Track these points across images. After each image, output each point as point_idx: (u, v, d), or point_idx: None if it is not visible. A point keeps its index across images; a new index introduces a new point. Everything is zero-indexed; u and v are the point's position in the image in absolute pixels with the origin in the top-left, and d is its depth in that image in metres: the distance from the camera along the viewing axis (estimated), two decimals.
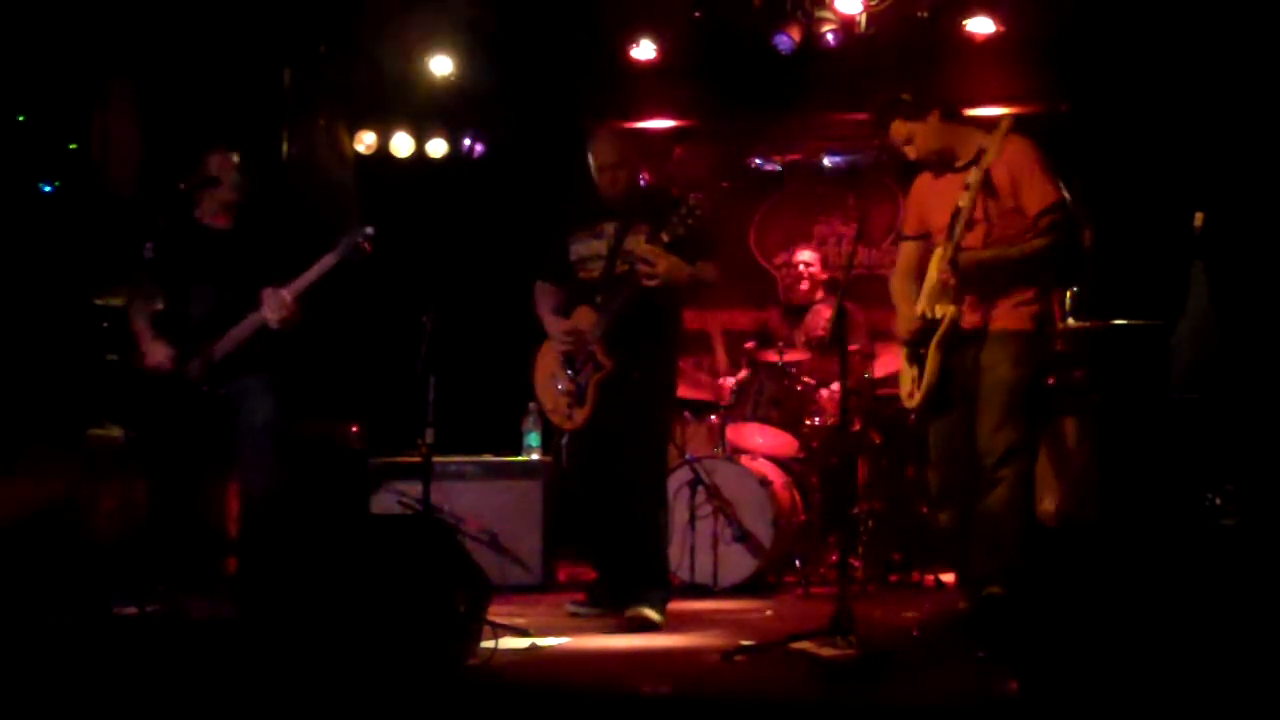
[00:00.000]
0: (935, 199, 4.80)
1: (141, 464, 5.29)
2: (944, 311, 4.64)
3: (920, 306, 4.75)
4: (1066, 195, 4.61)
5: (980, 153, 4.59)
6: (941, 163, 4.77)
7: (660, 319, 5.16)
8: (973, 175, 4.57)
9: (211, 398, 5.18)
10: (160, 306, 5.27)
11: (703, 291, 5.26)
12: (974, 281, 4.59)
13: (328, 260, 5.25)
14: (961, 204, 4.58)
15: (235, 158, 5.36)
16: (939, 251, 4.67)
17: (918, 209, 4.93)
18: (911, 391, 4.80)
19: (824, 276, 7.32)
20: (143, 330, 5.23)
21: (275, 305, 5.18)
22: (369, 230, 5.27)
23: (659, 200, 5.24)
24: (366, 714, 3.59)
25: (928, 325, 4.69)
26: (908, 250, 4.97)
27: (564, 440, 5.70)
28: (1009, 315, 4.63)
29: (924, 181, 4.90)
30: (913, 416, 6.52)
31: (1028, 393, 4.62)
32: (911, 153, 4.78)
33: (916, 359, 4.77)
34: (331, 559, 4.13)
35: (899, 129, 4.76)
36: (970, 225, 4.59)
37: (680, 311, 5.37)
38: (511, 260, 6.79)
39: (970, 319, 4.64)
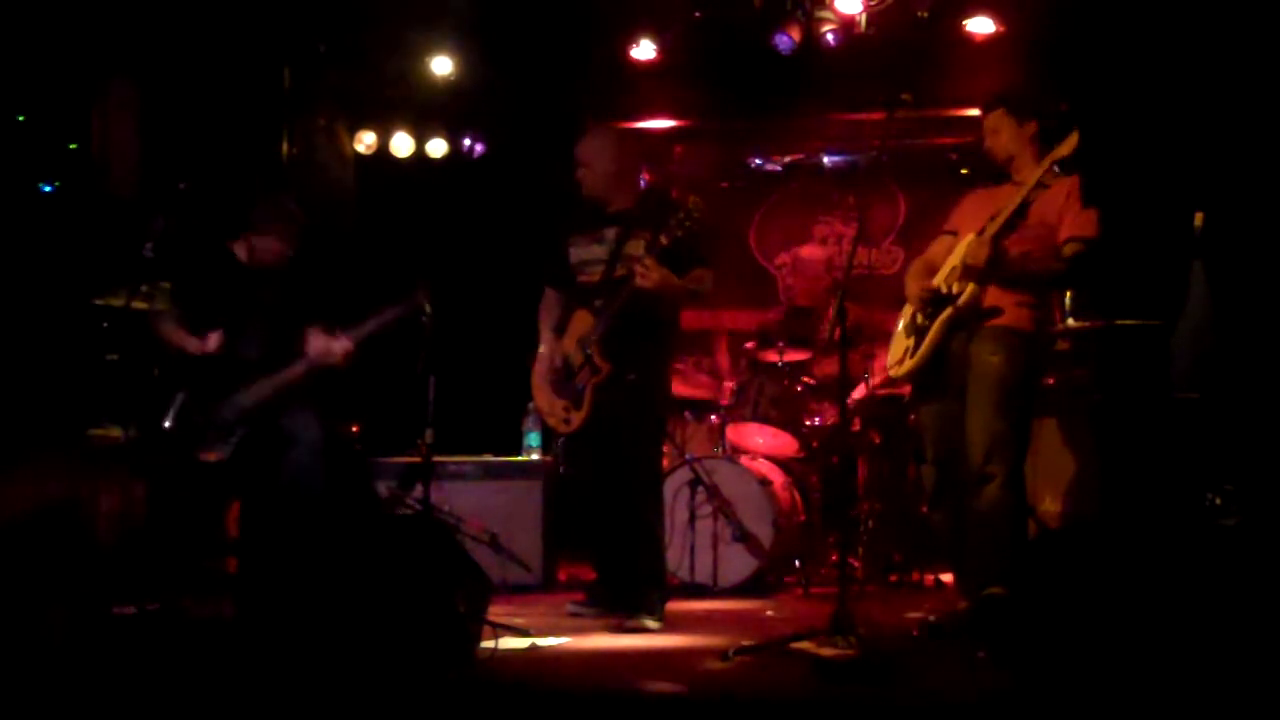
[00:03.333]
0: (983, 203, 4.78)
1: (142, 464, 5.29)
2: (964, 289, 4.59)
3: (937, 280, 4.71)
4: (1098, 235, 4.57)
5: (1040, 186, 4.58)
6: (1004, 170, 4.73)
7: (657, 322, 5.16)
8: (1021, 192, 4.58)
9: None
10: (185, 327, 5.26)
11: (701, 297, 5.27)
12: (1001, 269, 4.56)
13: (389, 315, 5.28)
14: (1005, 206, 4.58)
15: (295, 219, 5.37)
16: (969, 238, 4.63)
17: (961, 207, 4.90)
18: (902, 359, 4.77)
19: (829, 276, 7.32)
20: (178, 333, 5.18)
21: (338, 351, 5.24)
22: (424, 291, 5.28)
23: (658, 202, 5.24)
24: (367, 714, 3.59)
25: (940, 298, 4.66)
26: (943, 242, 4.90)
27: (560, 442, 5.71)
28: (1012, 312, 4.61)
29: (979, 191, 4.90)
30: (911, 417, 6.55)
31: (1019, 390, 4.59)
32: (992, 146, 4.73)
33: (915, 330, 4.74)
34: (331, 559, 4.13)
35: (996, 120, 4.71)
36: (1010, 226, 4.57)
37: (677, 315, 5.37)
38: (512, 260, 6.80)
39: (985, 300, 4.61)
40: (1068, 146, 4.49)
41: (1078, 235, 4.55)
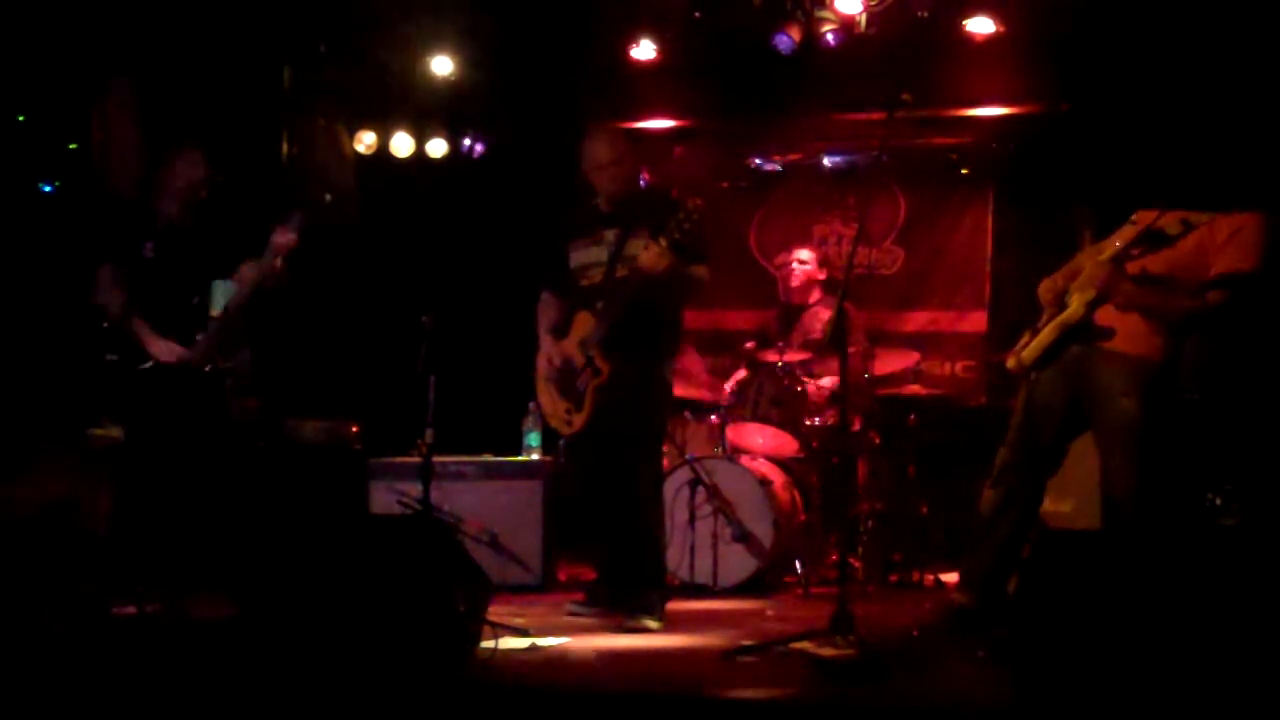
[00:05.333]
0: None
1: (136, 464, 5.30)
2: (1074, 302, 4.46)
3: (1063, 282, 4.59)
4: (1255, 268, 4.29)
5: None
6: None
7: (657, 322, 5.16)
8: (1198, 215, 4.34)
9: (212, 378, 5.23)
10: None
11: (698, 291, 5.27)
12: (1117, 297, 4.39)
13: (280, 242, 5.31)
14: (1170, 230, 4.36)
15: (201, 160, 5.43)
16: (1111, 248, 4.45)
17: None
18: (1021, 348, 4.66)
19: (821, 276, 7.31)
20: (143, 329, 5.26)
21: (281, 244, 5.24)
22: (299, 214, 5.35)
23: (658, 202, 5.24)
24: (367, 714, 3.59)
25: (1059, 300, 4.54)
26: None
27: (561, 443, 5.70)
28: (1136, 337, 4.43)
29: None
30: (912, 417, 6.54)
31: (1151, 434, 4.41)
32: None
33: (1034, 331, 4.63)
34: (331, 559, 4.13)
35: None
36: (1161, 240, 4.37)
37: (679, 315, 5.37)
38: (511, 260, 6.80)
39: (1104, 317, 4.44)
40: None
41: (1231, 270, 4.29)
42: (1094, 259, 4.52)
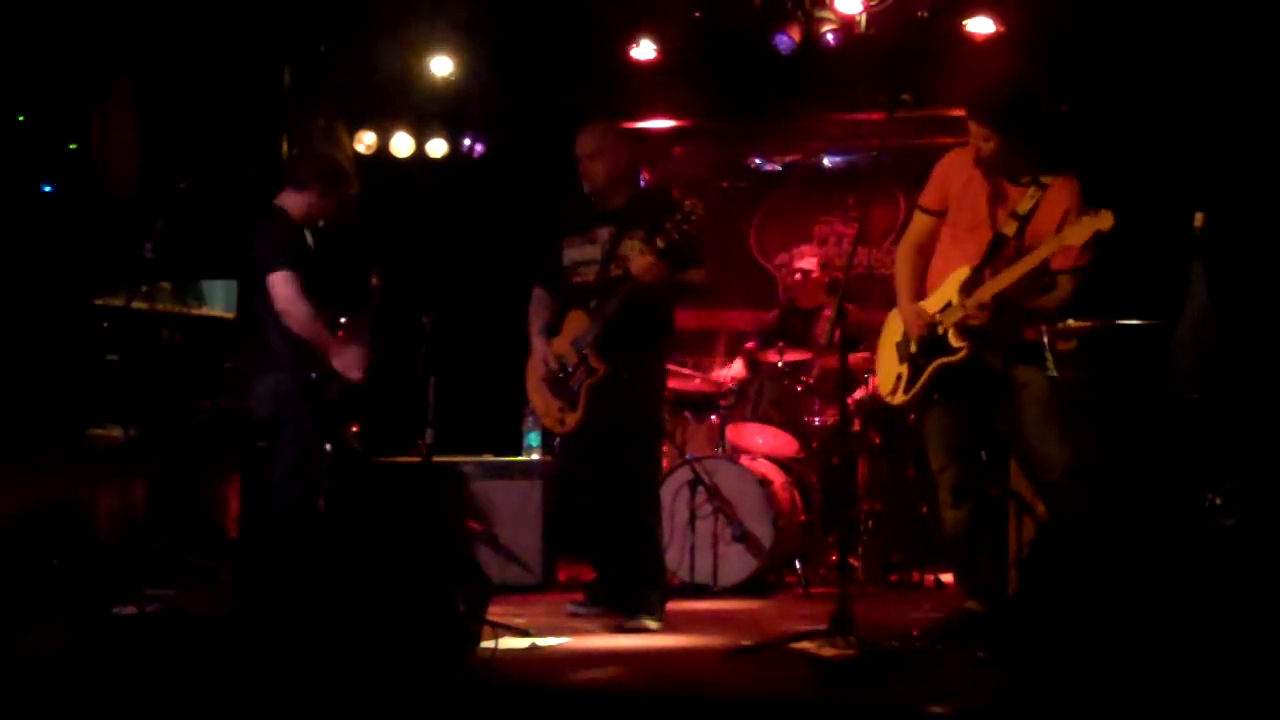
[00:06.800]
0: (973, 188, 4.60)
1: (142, 464, 5.29)
2: (960, 345, 4.46)
3: (932, 308, 4.58)
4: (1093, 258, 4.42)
5: (1038, 185, 4.42)
6: (1001, 170, 4.56)
7: (652, 322, 5.15)
8: (1023, 204, 4.42)
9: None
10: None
11: (695, 294, 5.26)
12: (1003, 325, 4.43)
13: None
14: (1006, 231, 4.43)
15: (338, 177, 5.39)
16: (961, 273, 4.49)
17: (945, 184, 4.72)
18: (895, 389, 4.67)
19: (825, 279, 7.29)
20: (327, 338, 5.13)
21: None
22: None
23: (657, 202, 5.24)
24: (367, 714, 3.59)
25: (936, 340, 4.53)
26: (922, 223, 4.77)
27: (556, 442, 5.70)
28: (1014, 337, 4.49)
29: (963, 161, 4.66)
30: (911, 417, 6.54)
31: (1070, 400, 4.48)
32: (983, 151, 4.53)
33: (908, 358, 4.62)
34: (331, 559, 4.13)
35: (979, 131, 4.51)
36: (1000, 245, 4.44)
37: (672, 314, 5.36)
38: (511, 260, 6.80)
39: (993, 361, 4.48)
40: (1086, 227, 4.21)
41: (1071, 267, 4.42)
42: (954, 280, 4.53)
